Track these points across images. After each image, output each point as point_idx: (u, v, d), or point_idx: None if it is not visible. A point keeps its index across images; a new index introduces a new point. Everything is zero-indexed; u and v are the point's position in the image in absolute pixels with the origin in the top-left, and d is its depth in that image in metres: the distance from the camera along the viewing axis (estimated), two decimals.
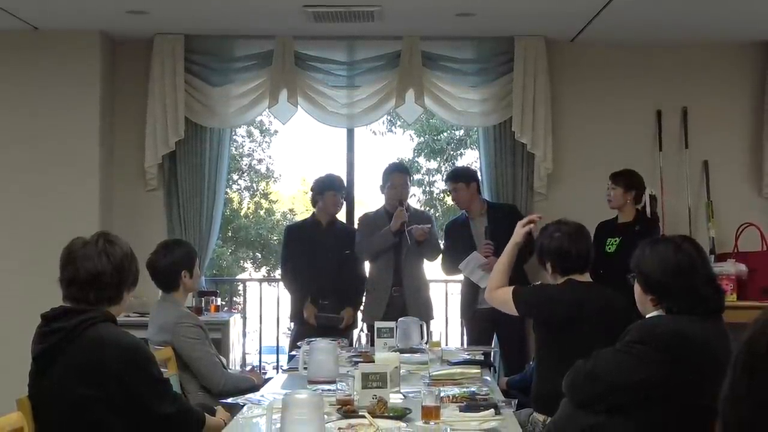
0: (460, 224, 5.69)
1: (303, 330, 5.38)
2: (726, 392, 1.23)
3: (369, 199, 8.46)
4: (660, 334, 2.59)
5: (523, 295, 3.59)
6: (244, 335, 6.83)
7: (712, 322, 2.63)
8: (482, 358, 4.30)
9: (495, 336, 5.57)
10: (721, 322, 2.67)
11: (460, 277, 5.62)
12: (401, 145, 15.21)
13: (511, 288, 3.63)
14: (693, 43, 6.16)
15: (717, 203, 6.09)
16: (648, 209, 5.56)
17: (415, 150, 13.96)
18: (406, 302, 5.41)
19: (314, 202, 5.72)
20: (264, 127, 14.33)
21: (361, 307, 5.62)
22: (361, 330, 5.41)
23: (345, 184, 5.88)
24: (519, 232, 3.79)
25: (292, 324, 5.75)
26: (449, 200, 13.45)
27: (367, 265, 5.67)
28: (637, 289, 2.78)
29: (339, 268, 5.53)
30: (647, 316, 2.75)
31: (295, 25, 5.78)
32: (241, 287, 9.83)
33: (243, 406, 3.18)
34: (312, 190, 5.76)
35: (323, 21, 5.60)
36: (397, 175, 5.61)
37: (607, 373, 2.64)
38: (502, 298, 3.66)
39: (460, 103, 6.15)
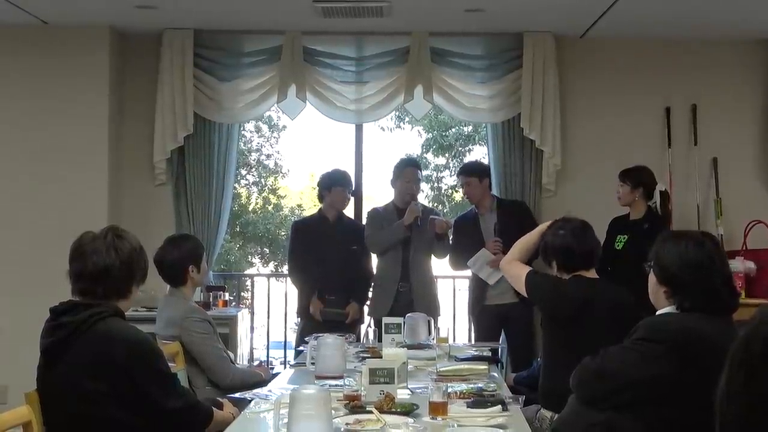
0: (469, 220, 5.67)
1: (310, 325, 5.37)
2: (722, 388, 1.22)
3: (377, 194, 8.47)
4: (668, 332, 2.58)
5: (536, 284, 3.62)
6: (252, 330, 6.84)
7: (721, 321, 2.61)
8: (489, 354, 4.29)
9: (502, 332, 5.57)
10: (730, 321, 2.66)
11: (468, 273, 5.62)
12: (409, 141, 15.19)
13: (528, 270, 3.67)
14: (702, 39, 6.13)
15: (726, 200, 6.06)
16: (659, 206, 5.52)
17: (423, 146, 13.92)
18: (413, 298, 5.41)
19: (321, 198, 5.71)
20: (272, 123, 14.30)
21: (368, 303, 5.62)
22: (369, 325, 5.41)
23: (352, 179, 5.87)
24: None
25: (299, 319, 5.76)
26: (457, 196, 13.43)
27: (374, 261, 5.67)
28: (651, 279, 2.74)
29: (346, 264, 5.52)
30: (657, 312, 2.73)
31: (304, 21, 5.79)
32: (249, 282, 9.84)
33: (250, 401, 3.17)
34: (319, 185, 5.74)
35: (332, 16, 5.60)
36: (411, 170, 5.61)
37: (615, 370, 2.63)
38: (516, 273, 3.71)
39: (469, 99, 6.14)
